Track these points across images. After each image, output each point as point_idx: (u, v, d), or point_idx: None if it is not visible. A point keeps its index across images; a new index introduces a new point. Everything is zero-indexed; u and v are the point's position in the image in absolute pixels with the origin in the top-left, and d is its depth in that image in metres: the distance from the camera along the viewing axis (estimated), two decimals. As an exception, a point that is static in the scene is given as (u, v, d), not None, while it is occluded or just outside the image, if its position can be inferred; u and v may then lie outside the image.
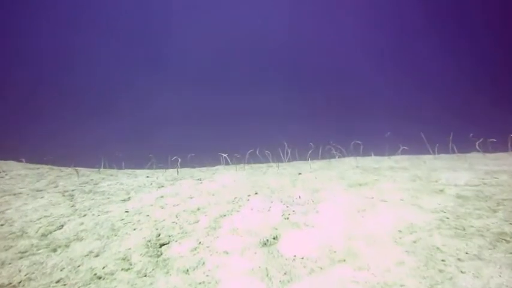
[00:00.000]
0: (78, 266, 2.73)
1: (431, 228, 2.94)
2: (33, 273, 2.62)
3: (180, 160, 6.95)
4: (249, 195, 4.50)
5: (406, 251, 2.59)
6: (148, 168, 7.75)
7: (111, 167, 7.47)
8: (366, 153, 8.68)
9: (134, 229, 3.44)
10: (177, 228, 3.48)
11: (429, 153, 8.07)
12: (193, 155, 8.24)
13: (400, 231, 2.99)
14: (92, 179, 5.81)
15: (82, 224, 3.63)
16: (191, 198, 4.52)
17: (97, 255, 2.93)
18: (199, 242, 3.16)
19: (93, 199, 4.59)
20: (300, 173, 5.86)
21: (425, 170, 5.27)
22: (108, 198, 4.65)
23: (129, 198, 4.68)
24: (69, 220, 3.75)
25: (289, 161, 8.48)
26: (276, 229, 3.33)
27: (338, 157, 8.70)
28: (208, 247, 3.07)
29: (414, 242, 2.74)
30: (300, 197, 4.37)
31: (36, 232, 3.47)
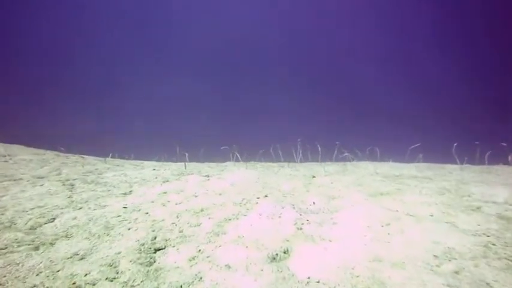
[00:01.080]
0: (58, 271, 2.29)
1: (475, 256, 2.39)
2: (4, 276, 2.20)
3: (187, 154, 6.52)
4: (258, 198, 4.01)
5: (448, 285, 2.05)
6: (157, 161, 7.35)
7: (121, 157, 7.11)
8: (381, 158, 8.08)
9: (129, 229, 2.99)
10: (176, 230, 3.02)
11: (448, 162, 7.43)
12: (201, 150, 7.81)
13: (435, 256, 2.45)
14: (96, 169, 5.42)
15: (75, 218, 3.21)
16: (196, 196, 4.06)
17: (82, 258, 2.49)
18: (199, 250, 2.69)
19: (93, 190, 4.18)
20: (313, 176, 5.34)
21: (454, 181, 4.67)
22: (109, 190, 4.24)
23: (130, 191, 4.25)
24: (62, 213, 3.33)
25: (301, 161, 7.96)
26: (288, 241, 2.83)
27: (352, 161, 8.14)
28: (208, 257, 2.60)
29: (456, 272, 2.19)
30: (314, 203, 3.85)
31: (25, 224, 3.07)
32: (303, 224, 3.13)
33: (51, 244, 2.65)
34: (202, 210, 3.55)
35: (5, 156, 5.19)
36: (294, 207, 3.58)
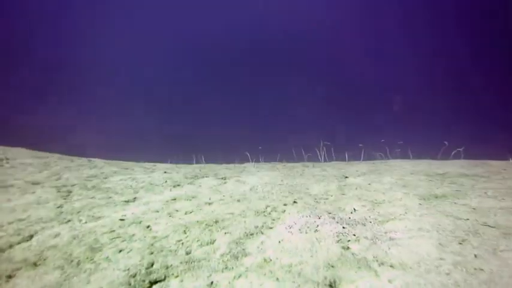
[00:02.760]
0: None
1: None
2: None
3: (203, 157, 5.76)
4: (285, 205, 3.14)
5: None
6: (172, 163, 6.60)
7: (136, 160, 6.39)
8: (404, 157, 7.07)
9: (120, 250, 2.19)
10: (182, 252, 2.20)
11: (486, 158, 6.36)
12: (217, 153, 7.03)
13: None
14: (102, 172, 4.69)
15: (57, 235, 2.43)
16: (210, 204, 3.23)
17: (46, 300, 1.69)
18: (211, 283, 1.85)
19: (91, 198, 3.42)
20: (346, 177, 4.42)
21: (522, 180, 3.67)
22: (110, 197, 3.47)
23: (134, 199, 3.47)
24: (44, 228, 2.57)
25: (325, 161, 7.04)
26: (332, 267, 1.95)
27: (381, 159, 7.15)
28: (224, 295, 1.75)
29: None
30: (355, 209, 2.95)
31: (-2, 243, 2.32)
32: (349, 240, 2.24)
33: (9, 277, 1.87)
34: (217, 222, 2.71)
35: (2, 160, 4.54)
36: (332, 217, 2.68)
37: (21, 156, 4.88)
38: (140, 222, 2.71)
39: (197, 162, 6.91)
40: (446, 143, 6.81)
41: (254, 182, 4.17)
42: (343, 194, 3.50)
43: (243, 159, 7.17)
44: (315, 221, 2.58)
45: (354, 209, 2.96)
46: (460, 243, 2.11)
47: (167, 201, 3.33)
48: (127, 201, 3.36)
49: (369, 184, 3.87)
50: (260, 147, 6.81)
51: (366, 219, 2.68)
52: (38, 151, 5.44)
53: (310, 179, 4.32)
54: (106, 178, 4.40)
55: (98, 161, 5.34)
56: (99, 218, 2.80)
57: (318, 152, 6.66)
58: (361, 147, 7.17)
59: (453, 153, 6.55)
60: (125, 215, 2.86)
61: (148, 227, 2.62)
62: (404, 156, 7.22)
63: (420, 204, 3.00)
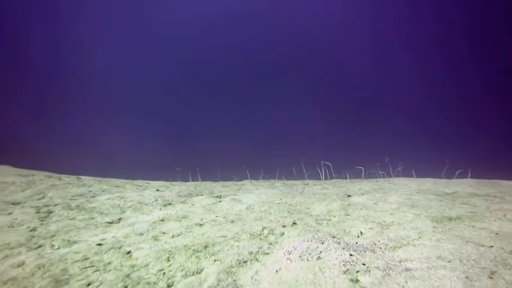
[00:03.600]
0: None
1: None
2: None
3: (199, 172, 5.43)
4: (283, 226, 2.78)
5: None
6: (167, 180, 6.25)
7: (133, 178, 6.04)
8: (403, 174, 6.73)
9: (89, 284, 1.82)
10: (162, 285, 1.83)
11: (491, 177, 6.02)
12: (216, 171, 6.71)
13: None
14: (90, 191, 4.34)
15: (20, 265, 2.07)
16: (201, 225, 2.87)
17: None
18: (193, 327, 1.48)
19: (72, 219, 3.07)
20: (349, 195, 4.07)
21: (542, 200, 3.32)
22: (93, 218, 3.12)
23: (119, 219, 3.11)
24: (7, 256, 2.21)
25: (325, 179, 6.69)
26: (341, 307, 1.59)
27: (383, 177, 6.82)
28: None
29: None
30: (361, 233, 2.60)
31: (-47, 272, 1.96)
32: (358, 271, 1.88)
33: None
34: (206, 246, 2.35)
35: (-16, 178, 4.21)
36: (337, 241, 2.32)
37: (4, 174, 4.55)
38: (120, 247, 2.35)
39: (194, 180, 6.57)
40: (447, 161, 6.51)
41: (251, 201, 3.81)
42: (348, 215, 3.14)
43: (242, 176, 6.84)
44: (317, 247, 2.22)
45: (361, 232, 2.60)
46: (491, 277, 1.75)
47: (154, 222, 2.98)
48: (110, 223, 3.00)
49: (375, 204, 3.52)
50: (261, 171, 6.48)
51: (375, 244, 2.32)
52: (25, 169, 5.11)
53: (311, 198, 3.97)
54: (93, 197, 4.05)
55: (87, 179, 5.00)
56: (74, 242, 2.44)
57: (318, 169, 6.32)
58: (363, 165, 6.84)
59: (458, 172, 6.22)
60: (104, 239, 2.50)
61: (128, 253, 2.26)
62: (406, 174, 6.88)
63: (434, 227, 2.64)
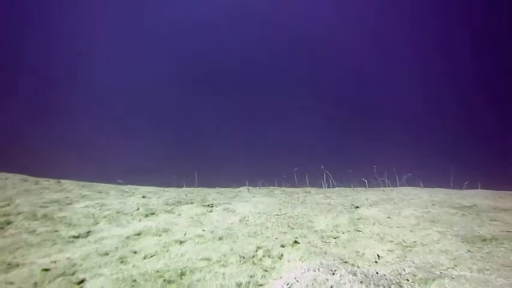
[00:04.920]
0: None
1: None
2: None
3: (199, 178, 4.88)
4: (283, 246, 2.20)
5: None
6: (160, 185, 5.68)
7: (119, 183, 5.46)
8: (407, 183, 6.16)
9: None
10: (111, 338, 1.26)
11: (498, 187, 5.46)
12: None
13: None
14: (67, 197, 3.76)
15: None
16: (182, 243, 2.29)
17: None
18: None
19: (30, 232, 2.49)
20: (356, 207, 3.49)
21: None
22: (56, 231, 2.54)
23: (87, 233, 2.53)
24: None
25: (327, 186, 6.12)
26: None
27: (389, 186, 6.23)
28: None
29: None
30: (379, 256, 2.02)
31: None
32: (386, 321, 1.31)
33: None
34: (183, 274, 1.77)
35: None
36: (352, 271, 1.74)
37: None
38: (73, 274, 1.77)
39: (190, 185, 6.00)
40: (453, 167, 5.95)
41: (246, 212, 3.23)
42: (359, 231, 2.56)
43: (241, 182, 6.27)
44: (327, 279, 1.64)
45: (378, 256, 2.02)
46: None
47: (128, 238, 2.40)
48: (76, 237, 2.42)
49: (388, 217, 2.94)
50: (260, 177, 5.91)
51: (400, 274, 1.74)
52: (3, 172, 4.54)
53: (314, 209, 3.39)
54: (69, 204, 3.47)
55: (69, 183, 4.43)
56: (16, 266, 1.86)
57: (322, 176, 5.76)
58: (365, 172, 6.28)
59: (466, 183, 5.65)
60: (56, 261, 1.92)
61: (80, 282, 1.68)
62: (411, 183, 6.30)
63: (469, 251, 2.06)
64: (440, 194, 4.53)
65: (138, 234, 2.50)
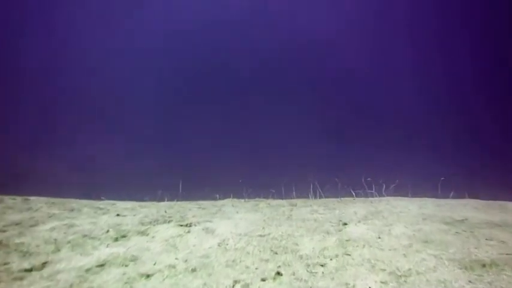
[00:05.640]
0: None
1: None
2: None
3: (181, 185, 4.54)
4: (263, 279, 1.91)
5: None
6: (141, 200, 5.31)
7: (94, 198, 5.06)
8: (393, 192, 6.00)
9: None
10: None
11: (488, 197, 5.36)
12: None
13: None
14: (32, 217, 3.38)
15: None
16: (148, 277, 1.97)
17: None
18: None
19: (-24, 264, 2.13)
20: (345, 223, 3.23)
21: None
22: (6, 264, 2.18)
23: (42, 265, 2.18)
24: None
25: (314, 197, 5.87)
26: None
27: (375, 196, 6.03)
28: None
29: None
30: (371, 290, 1.75)
31: None
32: None
33: None
34: (142, 323, 1.46)
35: None
36: (340, 316, 1.47)
37: None
38: (7, 327, 1.43)
39: (173, 196, 5.66)
40: (443, 178, 5.80)
41: (226, 232, 2.93)
42: (348, 255, 2.30)
43: (227, 192, 5.97)
44: (312, 329, 1.35)
45: (370, 290, 1.76)
46: None
47: (88, 270, 2.06)
48: (29, 270, 2.08)
49: (379, 238, 2.69)
50: (240, 181, 5.63)
51: (396, 317, 1.47)
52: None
53: (300, 227, 3.11)
54: (33, 226, 3.10)
55: (37, 201, 4.03)
56: None
57: (311, 192, 5.52)
58: (352, 179, 6.08)
59: (452, 193, 5.52)
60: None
61: None
62: (398, 190, 6.13)
63: (470, 281, 1.82)
64: (429, 206, 4.34)
65: (102, 265, 2.16)
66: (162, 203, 4.98)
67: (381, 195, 5.93)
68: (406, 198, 5.39)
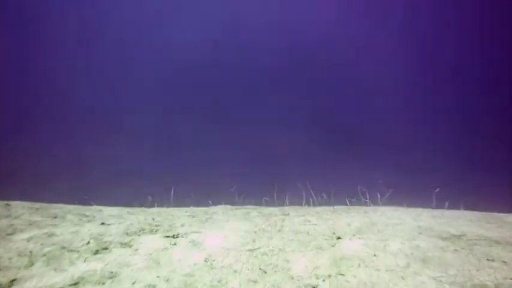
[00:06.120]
0: None
1: None
2: None
3: (172, 191, 4.34)
4: (250, 305, 1.73)
5: None
6: (131, 205, 5.10)
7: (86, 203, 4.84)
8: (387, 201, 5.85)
9: None
10: None
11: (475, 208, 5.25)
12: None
13: None
14: (11, 224, 3.15)
15: None
16: (124, 301, 1.78)
17: None
18: None
19: None
20: (338, 237, 3.06)
21: None
22: (-30, 280, 1.97)
23: (10, 284, 1.98)
24: None
25: (308, 204, 5.70)
26: None
27: (370, 205, 5.87)
28: None
29: None
30: (366, 320, 1.58)
31: None
32: None
33: None
34: None
35: None
36: None
37: None
38: None
39: (164, 202, 5.45)
40: (438, 189, 5.67)
41: (214, 246, 2.75)
42: (342, 275, 2.13)
43: (221, 197, 5.79)
44: None
45: (366, 320, 1.58)
46: None
47: (60, 291, 1.86)
48: (-6, 289, 1.87)
49: (374, 255, 2.52)
50: (233, 189, 5.46)
51: None
52: None
53: (292, 241, 2.94)
54: (10, 234, 2.88)
55: (20, 206, 3.81)
56: None
57: (304, 199, 5.35)
58: (346, 187, 5.93)
59: (446, 204, 5.38)
60: None
61: None
62: (391, 199, 5.98)
63: (474, 311, 1.65)
64: (425, 218, 4.18)
65: (75, 284, 1.96)
66: (151, 210, 4.77)
67: (375, 203, 5.78)
68: (401, 208, 5.25)
